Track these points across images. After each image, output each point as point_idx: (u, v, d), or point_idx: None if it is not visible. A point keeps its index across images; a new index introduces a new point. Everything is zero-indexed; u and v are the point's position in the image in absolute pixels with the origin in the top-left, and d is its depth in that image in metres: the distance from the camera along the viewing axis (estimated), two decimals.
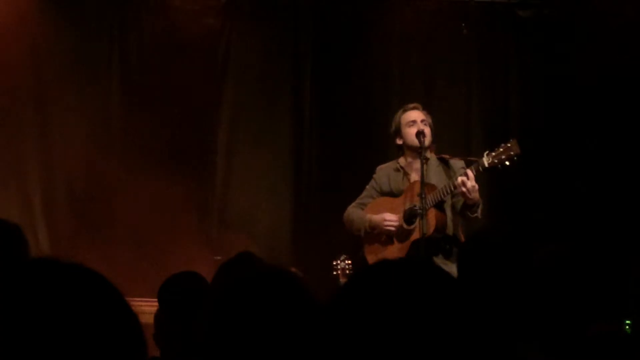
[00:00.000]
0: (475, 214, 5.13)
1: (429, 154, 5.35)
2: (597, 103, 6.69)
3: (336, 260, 5.42)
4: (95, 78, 7.12)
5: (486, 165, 5.06)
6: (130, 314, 1.20)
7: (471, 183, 5.00)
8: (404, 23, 7.15)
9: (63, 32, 7.02)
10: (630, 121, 6.61)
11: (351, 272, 5.36)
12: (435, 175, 5.35)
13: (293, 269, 3.92)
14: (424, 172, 5.16)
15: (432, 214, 5.19)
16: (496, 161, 5.06)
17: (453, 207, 5.28)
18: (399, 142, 5.47)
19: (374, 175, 5.60)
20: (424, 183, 5.11)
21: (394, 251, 5.34)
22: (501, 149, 5.07)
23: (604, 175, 6.59)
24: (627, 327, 2.51)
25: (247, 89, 7.29)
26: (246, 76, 7.29)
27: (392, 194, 5.48)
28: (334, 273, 5.37)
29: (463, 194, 5.00)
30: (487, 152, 5.12)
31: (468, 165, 5.21)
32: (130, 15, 7.22)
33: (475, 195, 5.03)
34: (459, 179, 5.02)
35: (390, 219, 5.35)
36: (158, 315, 3.40)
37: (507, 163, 5.04)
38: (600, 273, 2.20)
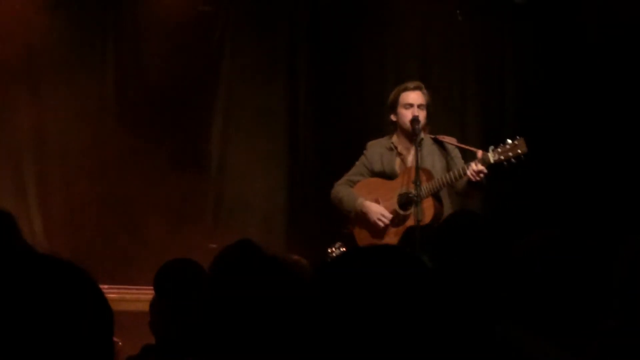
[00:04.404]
0: (480, 189, 5.13)
1: (422, 134, 5.32)
2: (595, 90, 6.68)
3: (331, 247, 5.41)
4: (89, 62, 7.09)
5: (492, 161, 5.04)
6: (103, 307, 1.21)
7: (480, 168, 4.99)
8: (399, 9, 7.13)
9: (57, 14, 6.98)
10: (627, 114, 6.60)
11: None
12: (429, 155, 5.31)
13: (296, 257, 3.92)
14: (418, 154, 5.15)
15: (429, 204, 5.17)
16: (502, 158, 5.04)
17: (453, 188, 5.25)
18: (393, 118, 5.40)
19: (365, 152, 5.51)
20: (419, 171, 5.10)
21: (388, 235, 5.32)
22: (508, 146, 5.04)
23: (598, 164, 6.59)
24: None
25: (242, 74, 7.27)
26: (241, 62, 7.27)
27: (384, 174, 5.43)
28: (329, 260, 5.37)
29: (476, 176, 4.99)
30: (492, 147, 5.09)
31: (470, 156, 5.18)
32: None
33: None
34: (472, 168, 4.99)
35: (385, 215, 5.30)
36: (154, 303, 3.40)
37: (514, 161, 5.03)
38: (584, 261, 2.22)
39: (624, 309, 2.15)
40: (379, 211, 5.31)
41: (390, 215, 5.30)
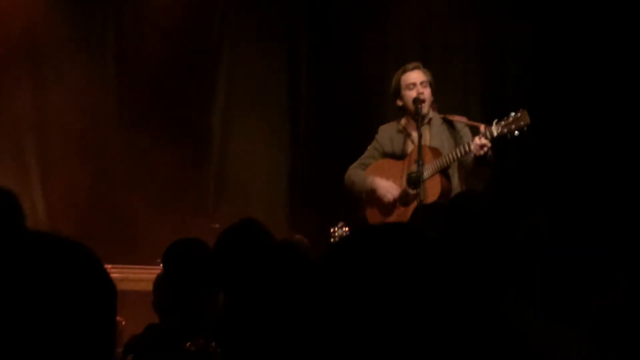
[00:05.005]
0: (487, 165, 5.13)
1: (431, 113, 5.32)
2: (596, 64, 6.66)
3: (333, 227, 5.41)
4: (90, 42, 7.09)
5: (495, 134, 5.04)
6: (107, 286, 1.21)
7: (483, 142, 5.00)
8: None
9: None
10: (630, 87, 6.58)
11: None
12: (439, 135, 5.32)
13: (298, 236, 3.92)
14: (426, 134, 5.16)
15: (436, 181, 5.18)
16: (505, 130, 5.04)
17: (461, 164, 5.26)
18: (399, 103, 5.41)
19: (376, 136, 5.53)
20: (421, 150, 5.09)
21: (397, 214, 5.33)
22: (510, 119, 5.05)
23: (600, 144, 6.57)
24: None
25: (243, 56, 7.26)
26: (242, 43, 7.26)
27: (395, 156, 5.45)
28: (331, 240, 5.37)
29: (479, 149, 4.99)
30: (495, 120, 5.09)
31: (474, 131, 5.18)
32: None
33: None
34: (475, 142, 4.99)
35: (392, 188, 5.32)
36: (158, 282, 3.41)
37: (517, 133, 5.03)
38: (586, 242, 2.22)
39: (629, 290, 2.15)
40: (387, 186, 5.33)
41: (397, 190, 5.31)
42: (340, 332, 1.28)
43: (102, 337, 1.18)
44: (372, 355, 1.26)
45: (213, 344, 2.47)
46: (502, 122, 5.07)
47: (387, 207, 5.37)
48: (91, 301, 1.18)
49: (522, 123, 5.03)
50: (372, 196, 5.39)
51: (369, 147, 5.56)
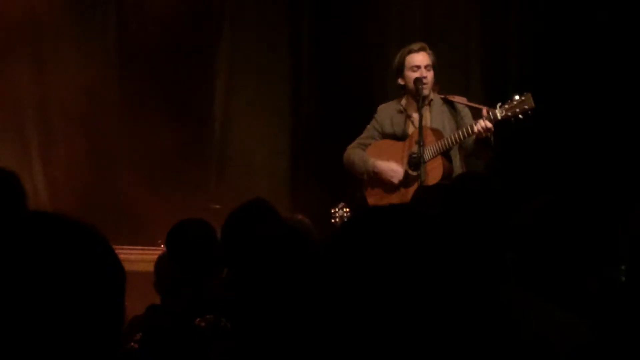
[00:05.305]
0: (489, 148, 5.13)
1: (432, 95, 5.31)
2: (600, 46, 6.63)
3: (334, 208, 5.41)
4: (92, 20, 7.06)
5: (499, 117, 5.03)
6: (116, 266, 1.21)
7: (487, 125, 4.99)
8: None
9: None
10: (634, 69, 6.55)
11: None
12: (439, 116, 5.31)
13: (300, 216, 3.92)
14: (427, 115, 5.14)
15: (437, 163, 5.17)
16: (510, 114, 5.03)
17: (461, 147, 5.25)
18: (401, 82, 5.38)
19: (375, 115, 5.50)
20: (422, 131, 5.09)
21: (398, 196, 5.32)
22: (515, 102, 5.03)
23: (602, 126, 6.56)
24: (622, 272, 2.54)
25: (243, 34, 7.23)
26: (243, 22, 7.24)
27: (395, 137, 5.43)
28: (332, 221, 5.38)
29: (483, 132, 4.98)
30: (499, 104, 5.08)
31: (476, 113, 5.17)
32: None
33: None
34: (479, 125, 4.98)
35: (397, 170, 5.31)
36: (160, 263, 3.41)
37: (521, 117, 5.02)
38: (590, 222, 2.23)
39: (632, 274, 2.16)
40: (391, 167, 5.30)
41: (402, 172, 5.29)
42: (345, 317, 1.29)
43: (111, 321, 1.18)
44: (376, 336, 1.28)
45: (223, 320, 2.48)
46: (506, 106, 5.05)
47: (388, 189, 5.36)
48: (101, 284, 1.17)
49: (526, 107, 5.01)
50: (374, 178, 5.38)
51: (368, 127, 5.52)
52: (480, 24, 7.12)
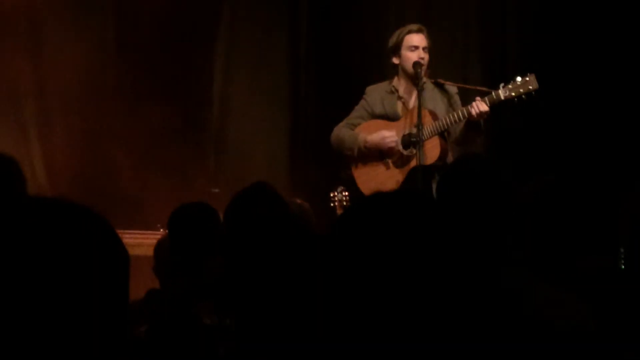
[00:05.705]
0: (479, 132, 5.11)
1: (424, 78, 5.29)
2: (599, 28, 6.61)
3: (333, 191, 5.40)
4: (90, 7, 7.03)
5: (502, 98, 5.01)
6: (120, 249, 1.20)
7: (484, 109, 4.97)
8: None
9: None
10: (633, 51, 6.53)
11: (348, 203, 5.35)
12: (431, 99, 5.28)
13: (299, 200, 3.92)
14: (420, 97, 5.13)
15: (435, 143, 5.15)
16: (513, 94, 5.01)
17: (449, 134, 5.24)
18: (396, 61, 5.35)
19: (365, 96, 5.45)
20: (421, 114, 5.07)
21: (392, 176, 5.30)
22: (518, 83, 5.01)
23: (601, 106, 6.55)
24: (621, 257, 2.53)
25: (242, 20, 7.22)
26: (242, 6, 7.22)
27: (387, 117, 5.39)
28: (331, 205, 5.37)
29: (477, 116, 4.96)
30: (502, 84, 5.06)
31: (481, 95, 5.14)
32: None
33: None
34: (475, 107, 4.96)
35: (390, 134, 5.26)
36: (160, 247, 3.40)
37: (524, 97, 5.01)
38: (590, 205, 2.23)
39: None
40: (383, 134, 5.26)
41: (395, 136, 5.25)
42: (348, 299, 1.29)
43: (116, 306, 1.17)
44: (379, 320, 1.28)
45: (228, 320, 2.47)
46: (509, 86, 5.03)
47: (381, 168, 5.33)
48: (106, 268, 1.17)
49: (530, 87, 4.99)
50: (364, 156, 5.33)
51: (357, 107, 5.45)
52: (479, 6, 7.08)
